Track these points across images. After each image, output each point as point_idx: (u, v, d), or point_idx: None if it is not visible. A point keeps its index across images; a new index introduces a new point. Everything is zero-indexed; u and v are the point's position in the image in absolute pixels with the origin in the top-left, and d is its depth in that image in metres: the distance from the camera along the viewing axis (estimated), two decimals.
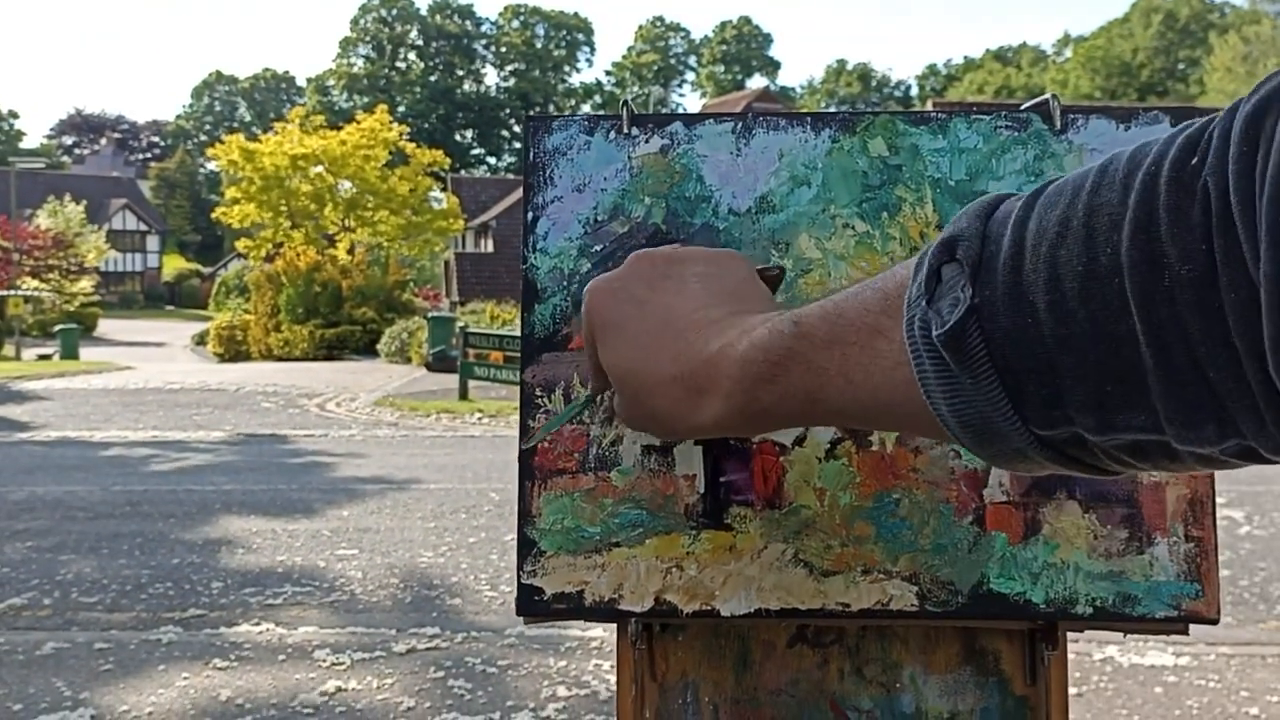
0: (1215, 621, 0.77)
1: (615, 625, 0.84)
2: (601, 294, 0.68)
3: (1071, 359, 0.41)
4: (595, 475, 0.80)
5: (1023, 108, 0.82)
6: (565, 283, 0.81)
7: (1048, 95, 0.82)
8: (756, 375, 0.56)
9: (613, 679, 4.01)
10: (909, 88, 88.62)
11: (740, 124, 0.82)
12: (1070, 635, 0.86)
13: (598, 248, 0.82)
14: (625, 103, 0.83)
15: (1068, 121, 0.80)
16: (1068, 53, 71.52)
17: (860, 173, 0.81)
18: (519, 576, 0.80)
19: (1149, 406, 0.40)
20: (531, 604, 0.80)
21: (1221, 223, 0.37)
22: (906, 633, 0.85)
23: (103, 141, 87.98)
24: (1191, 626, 0.79)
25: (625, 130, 0.82)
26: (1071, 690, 4.04)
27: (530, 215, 0.82)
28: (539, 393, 0.81)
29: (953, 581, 0.78)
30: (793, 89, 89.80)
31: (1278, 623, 4.94)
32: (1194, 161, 0.38)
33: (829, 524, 0.79)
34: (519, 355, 0.84)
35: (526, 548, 0.80)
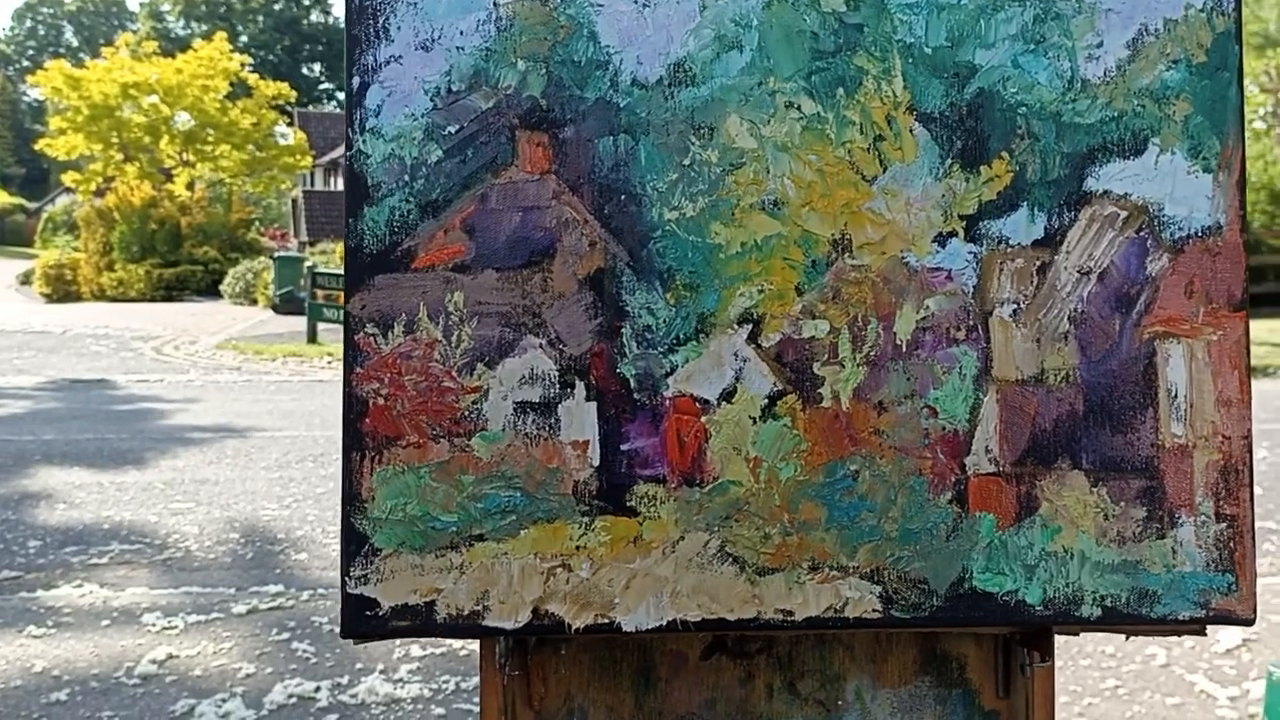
0: (1251, 622, 0.61)
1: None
2: None
3: None
4: (451, 442, 0.58)
5: None
6: (406, 177, 0.58)
7: None
8: None
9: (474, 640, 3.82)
10: None
11: None
12: None
13: (452, 129, 0.59)
14: None
15: None
16: None
17: (809, 34, 0.60)
18: (343, 584, 0.58)
19: None
20: (362, 621, 0.58)
21: None
22: (851, 637, 0.66)
23: None
24: None
25: None
26: None
27: (356, 81, 0.59)
28: (370, 329, 0.58)
29: (926, 579, 0.59)
30: None
31: None
32: None
33: (766, 506, 0.59)
34: None
35: (356, 544, 0.58)
